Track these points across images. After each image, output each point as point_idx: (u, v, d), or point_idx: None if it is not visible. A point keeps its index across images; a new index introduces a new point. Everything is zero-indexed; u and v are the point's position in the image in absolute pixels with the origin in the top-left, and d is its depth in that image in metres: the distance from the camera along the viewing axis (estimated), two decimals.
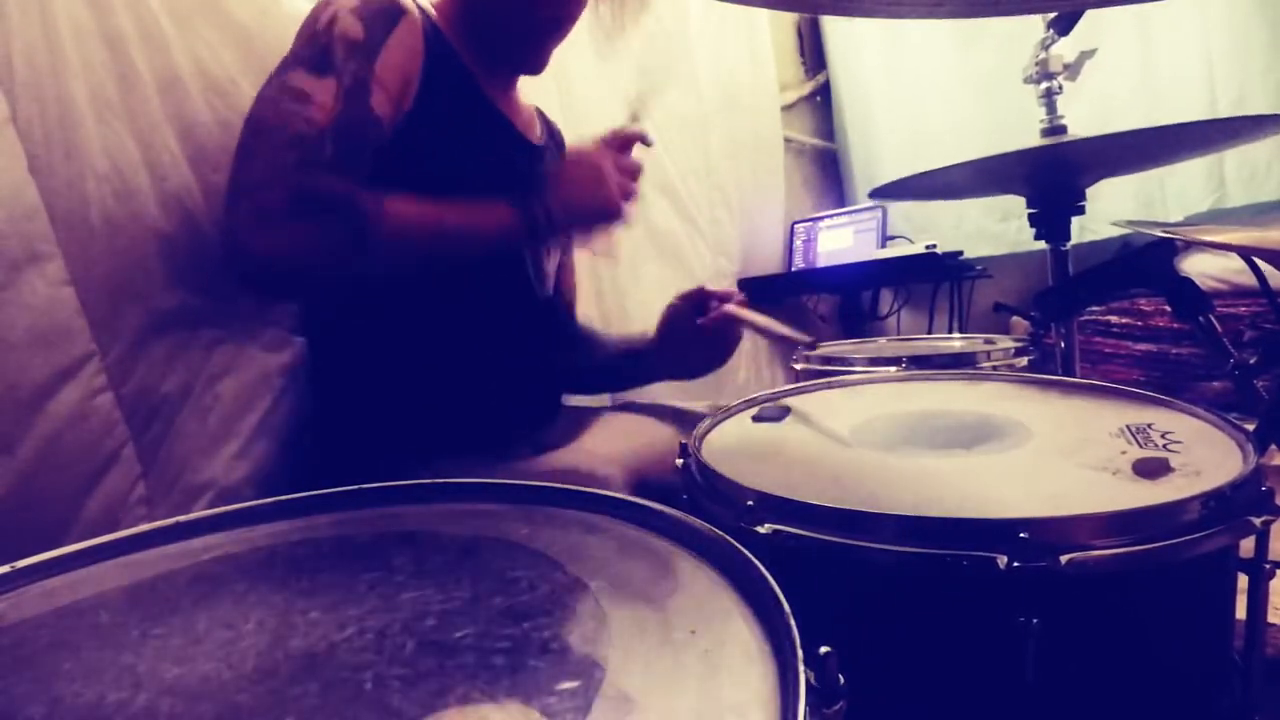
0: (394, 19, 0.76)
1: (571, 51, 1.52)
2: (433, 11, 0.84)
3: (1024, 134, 1.08)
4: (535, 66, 0.92)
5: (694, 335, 0.95)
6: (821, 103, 2.48)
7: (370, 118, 0.73)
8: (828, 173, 2.51)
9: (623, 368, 1.06)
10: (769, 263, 2.17)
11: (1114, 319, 1.99)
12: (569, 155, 0.84)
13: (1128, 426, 0.62)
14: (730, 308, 0.93)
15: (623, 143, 0.84)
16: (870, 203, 2.11)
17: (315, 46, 0.72)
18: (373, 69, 0.73)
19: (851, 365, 1.20)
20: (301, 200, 0.68)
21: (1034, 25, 1.04)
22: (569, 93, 1.50)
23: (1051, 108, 1.04)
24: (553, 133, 1.04)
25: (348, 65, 0.72)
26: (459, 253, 0.76)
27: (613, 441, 0.89)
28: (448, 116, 0.81)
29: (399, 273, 0.75)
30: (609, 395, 1.24)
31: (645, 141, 0.86)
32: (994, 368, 1.14)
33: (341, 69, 0.72)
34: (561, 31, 0.89)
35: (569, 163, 0.81)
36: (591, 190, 0.79)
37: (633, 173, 0.84)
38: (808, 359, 1.28)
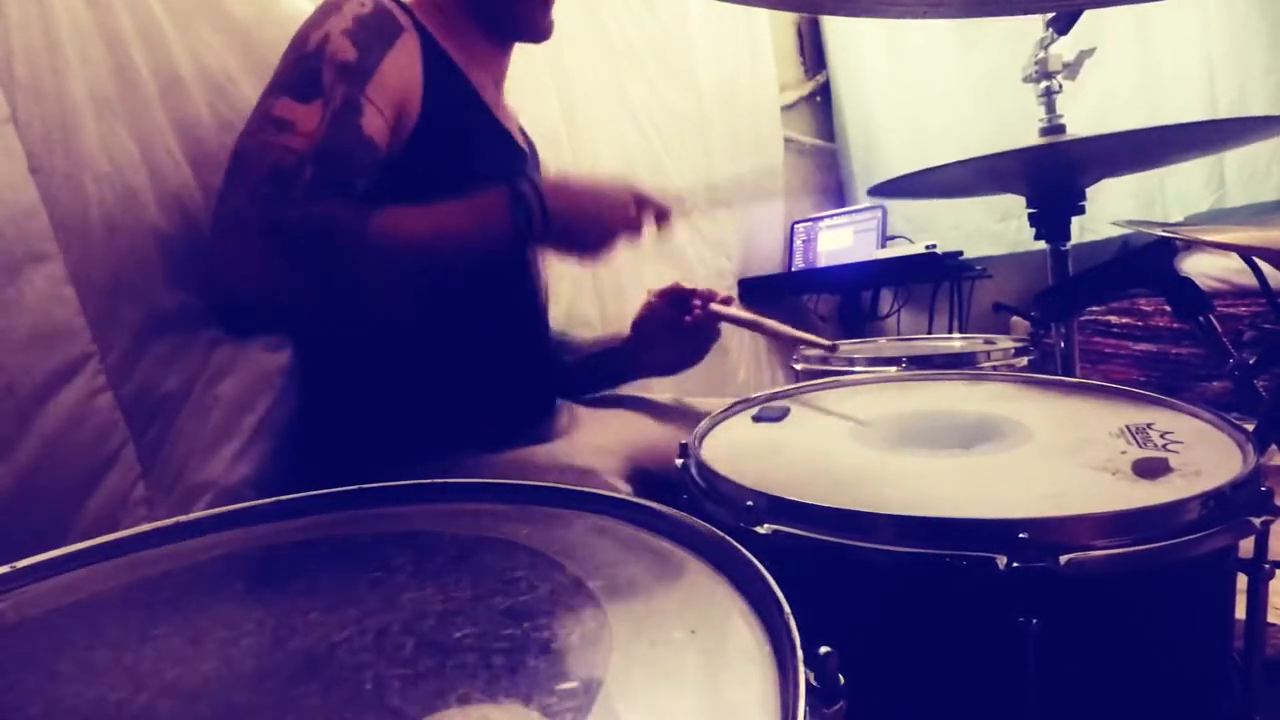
0: (391, 38, 0.75)
1: (572, 51, 1.52)
2: (424, 19, 0.82)
3: (1024, 134, 1.08)
4: (539, 29, 0.89)
5: (672, 333, 0.95)
6: (821, 103, 2.48)
7: (360, 140, 0.71)
8: (828, 173, 2.51)
9: (597, 368, 1.05)
10: (769, 263, 2.17)
11: (1114, 319, 2.00)
12: (592, 179, 0.82)
13: (1128, 426, 0.62)
14: (716, 307, 0.92)
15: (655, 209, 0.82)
16: (870, 202, 2.11)
17: (302, 71, 0.71)
18: (364, 90, 0.71)
19: (851, 365, 1.20)
20: (279, 233, 0.65)
21: (1034, 25, 1.04)
22: (569, 93, 1.50)
23: (1051, 107, 1.05)
24: (529, 141, 1.04)
25: (337, 88, 0.70)
26: (454, 254, 0.73)
27: (610, 435, 0.89)
28: (454, 131, 0.80)
29: (393, 288, 0.73)
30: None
31: (664, 217, 0.83)
32: (994, 368, 1.15)
33: (330, 92, 0.70)
34: None
35: (586, 183, 0.80)
36: (596, 211, 0.77)
37: (656, 212, 0.81)
38: (807, 359, 1.28)
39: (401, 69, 0.75)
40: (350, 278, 0.69)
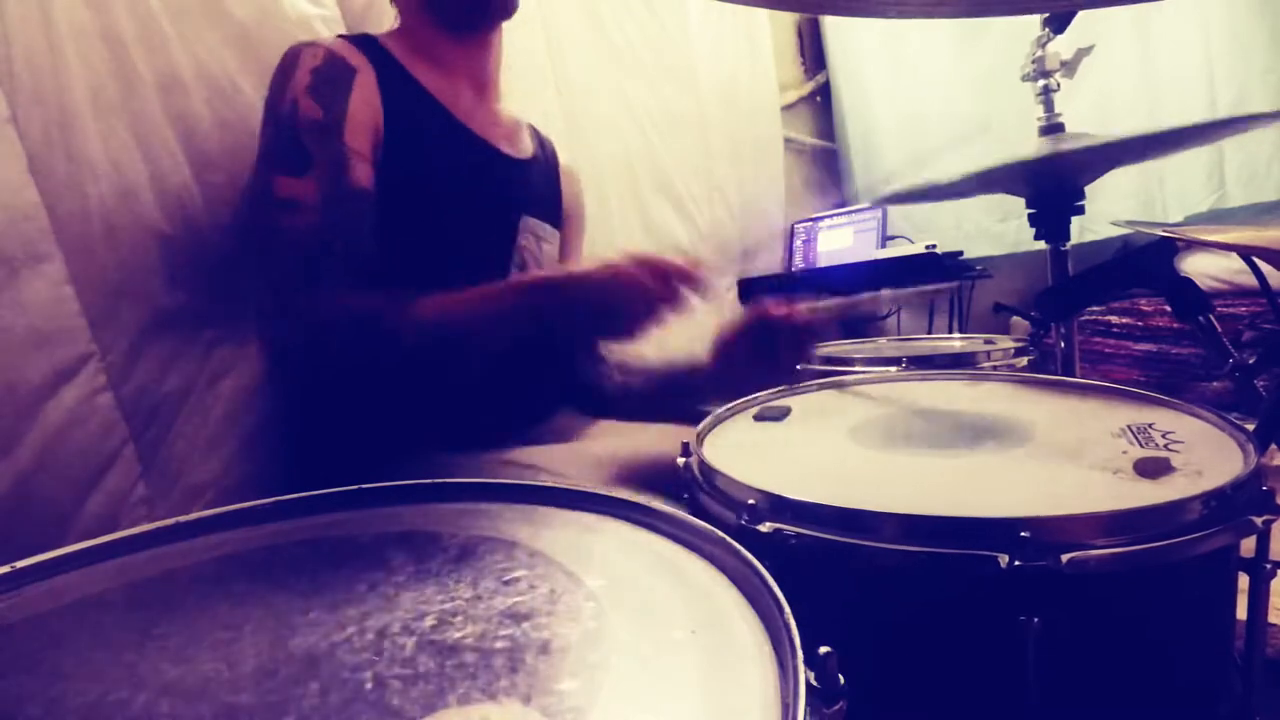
0: (347, 83, 0.76)
1: (572, 52, 1.52)
2: (388, 47, 0.83)
3: (1024, 133, 1.08)
4: (502, 11, 0.88)
5: (760, 359, 0.89)
6: (821, 103, 2.48)
7: (356, 192, 0.74)
8: (828, 173, 2.51)
9: (671, 389, 1.00)
10: (769, 263, 2.17)
11: (1114, 319, 1.99)
12: (605, 267, 0.78)
13: (1129, 426, 0.62)
14: (804, 309, 0.86)
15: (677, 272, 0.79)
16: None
17: (286, 141, 0.73)
18: (344, 142, 0.74)
19: (851, 365, 1.20)
20: (330, 325, 0.71)
21: (1034, 24, 1.04)
22: (569, 93, 1.50)
23: (1049, 105, 1.04)
24: (543, 144, 1.02)
25: (320, 151, 0.73)
26: (490, 338, 0.75)
27: (612, 434, 0.89)
28: (412, 144, 0.81)
29: (432, 365, 0.76)
30: None
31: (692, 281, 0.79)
32: (994, 368, 1.15)
33: (317, 158, 0.73)
34: None
35: (600, 273, 0.77)
36: (613, 298, 0.76)
37: (684, 278, 0.78)
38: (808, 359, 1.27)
39: (364, 107, 0.77)
40: (390, 359, 0.73)
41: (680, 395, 1.01)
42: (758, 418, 0.76)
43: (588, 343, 0.96)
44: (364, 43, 0.82)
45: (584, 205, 1.11)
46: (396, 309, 0.71)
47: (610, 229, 1.58)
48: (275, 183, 0.73)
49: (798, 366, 0.92)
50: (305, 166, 0.72)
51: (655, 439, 0.90)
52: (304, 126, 0.73)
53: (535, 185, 0.96)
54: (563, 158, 1.06)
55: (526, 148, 0.98)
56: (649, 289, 0.76)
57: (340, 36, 0.82)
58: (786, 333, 0.88)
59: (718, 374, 0.95)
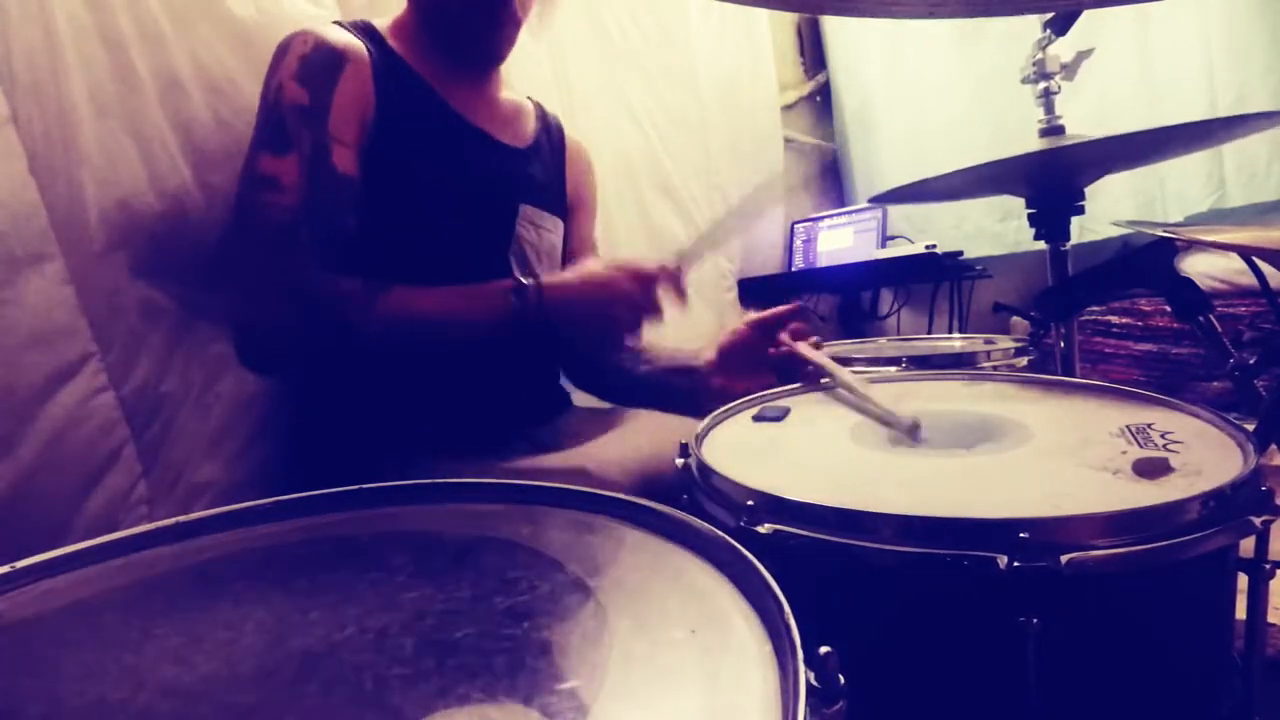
0: (337, 70, 0.77)
1: (572, 51, 1.52)
2: (388, 37, 0.84)
3: (1023, 134, 1.08)
4: (494, 57, 0.91)
5: (760, 367, 0.91)
6: (821, 103, 2.48)
7: (337, 178, 0.75)
8: (828, 173, 2.51)
9: (669, 385, 1.01)
10: (769, 263, 2.17)
11: (1114, 319, 1.99)
12: (592, 272, 0.80)
13: (1128, 426, 0.62)
14: (804, 349, 0.88)
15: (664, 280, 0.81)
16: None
17: (272, 123, 0.75)
18: (327, 129, 0.75)
19: (851, 365, 1.20)
20: (293, 302, 0.71)
21: (1034, 25, 1.04)
22: (569, 93, 1.50)
23: (1049, 108, 1.04)
24: (549, 127, 1.02)
25: (303, 134, 0.74)
26: (457, 335, 0.76)
27: (613, 443, 0.89)
28: (405, 136, 0.81)
29: (398, 354, 0.77)
30: None
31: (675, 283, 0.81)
32: (994, 368, 1.14)
33: (298, 140, 0.74)
34: (508, 21, 0.88)
35: (586, 280, 0.79)
36: (599, 311, 0.78)
37: (674, 286, 0.80)
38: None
39: (353, 95, 0.77)
40: (358, 345, 0.73)
41: (682, 389, 1.01)
42: (757, 418, 0.76)
43: (571, 349, 0.97)
44: (364, 30, 0.82)
45: (595, 186, 1.10)
46: (364, 296, 0.72)
47: (610, 229, 1.58)
48: (259, 159, 0.74)
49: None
50: (286, 147, 0.73)
51: (656, 437, 0.90)
52: (287, 109, 0.74)
53: (536, 173, 0.96)
54: (570, 135, 1.06)
55: (527, 134, 0.98)
56: (634, 297, 0.77)
57: (337, 23, 0.83)
58: (781, 351, 0.89)
59: (713, 379, 0.95)
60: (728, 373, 0.94)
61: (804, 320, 0.93)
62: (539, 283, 0.77)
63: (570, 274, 0.80)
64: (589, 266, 0.81)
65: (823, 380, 0.85)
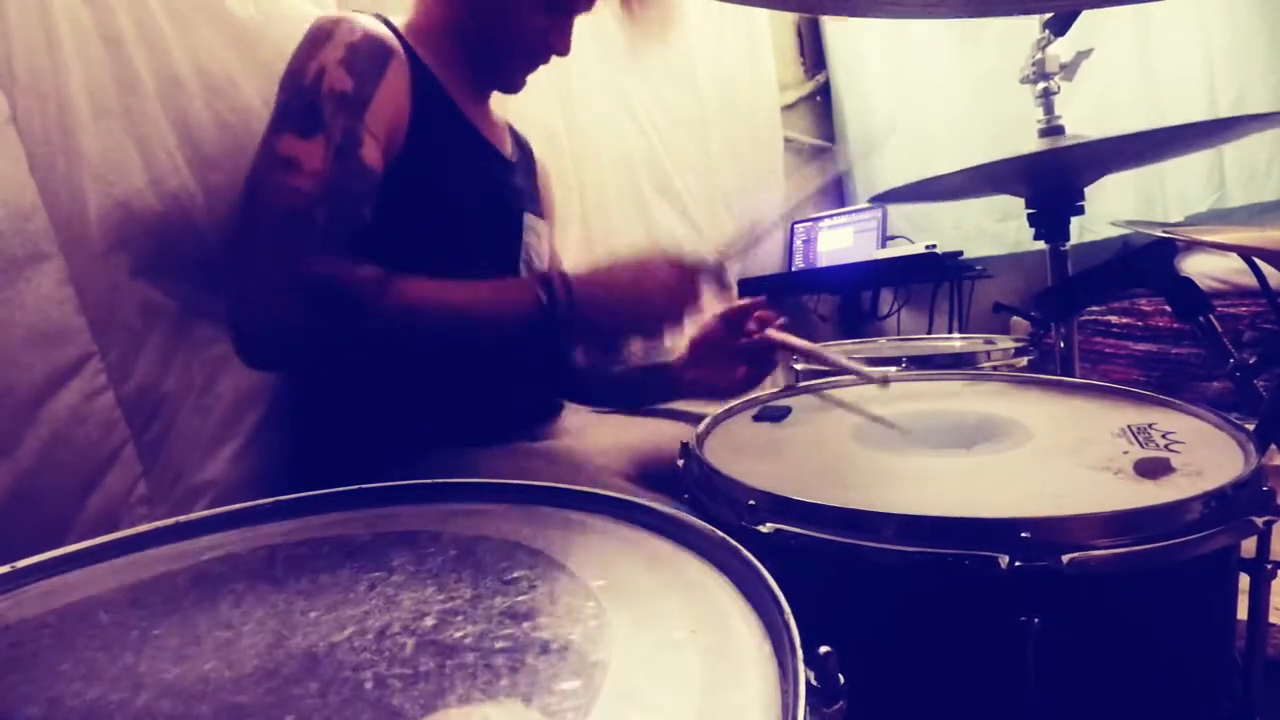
0: (384, 64, 0.75)
1: (572, 53, 1.51)
2: (407, 36, 0.82)
3: (1023, 134, 1.08)
4: (514, 88, 0.92)
5: (732, 358, 0.91)
6: (821, 103, 2.48)
7: (362, 170, 0.72)
8: (828, 173, 2.51)
9: (645, 384, 1.02)
10: (769, 263, 2.17)
11: (1114, 319, 1.99)
12: (625, 261, 0.78)
13: (1129, 426, 0.62)
14: (773, 333, 0.89)
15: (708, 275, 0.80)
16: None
17: (302, 104, 0.71)
18: (363, 120, 0.72)
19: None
20: (302, 288, 0.66)
21: (1034, 25, 1.04)
22: (569, 93, 1.50)
23: (1049, 108, 1.04)
24: (521, 145, 1.03)
25: (337, 121, 0.71)
26: (471, 330, 0.73)
27: (612, 437, 0.89)
28: (438, 150, 0.80)
29: (408, 349, 0.73)
30: None
31: (723, 284, 0.81)
32: (994, 368, 1.15)
33: (330, 125, 0.70)
34: (545, 59, 0.89)
35: (621, 270, 0.77)
36: (635, 302, 0.75)
37: (709, 276, 0.79)
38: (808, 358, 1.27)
39: (394, 94, 0.76)
40: (367, 337, 0.70)
41: (658, 388, 1.03)
42: (757, 418, 0.76)
43: (615, 341, 0.96)
44: (394, 32, 0.80)
45: (554, 197, 1.12)
46: (383, 282, 0.69)
47: (610, 229, 1.59)
48: (280, 141, 0.70)
49: (757, 380, 0.94)
50: (314, 130, 0.70)
51: (657, 437, 0.90)
52: (326, 94, 0.71)
53: (527, 182, 0.98)
54: (536, 152, 1.06)
55: (510, 148, 0.99)
56: (672, 287, 0.76)
57: (376, 16, 0.80)
58: (751, 338, 0.89)
59: (685, 372, 0.96)
60: (700, 366, 0.96)
61: (767, 309, 0.95)
62: (565, 275, 0.75)
63: (602, 265, 0.78)
64: (621, 257, 0.79)
65: (793, 359, 0.87)
